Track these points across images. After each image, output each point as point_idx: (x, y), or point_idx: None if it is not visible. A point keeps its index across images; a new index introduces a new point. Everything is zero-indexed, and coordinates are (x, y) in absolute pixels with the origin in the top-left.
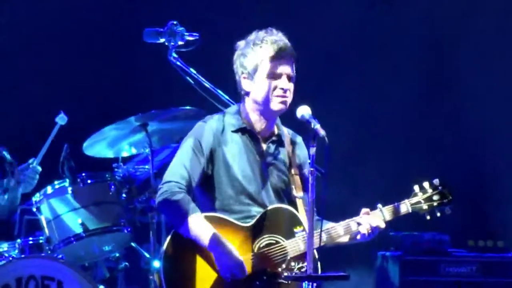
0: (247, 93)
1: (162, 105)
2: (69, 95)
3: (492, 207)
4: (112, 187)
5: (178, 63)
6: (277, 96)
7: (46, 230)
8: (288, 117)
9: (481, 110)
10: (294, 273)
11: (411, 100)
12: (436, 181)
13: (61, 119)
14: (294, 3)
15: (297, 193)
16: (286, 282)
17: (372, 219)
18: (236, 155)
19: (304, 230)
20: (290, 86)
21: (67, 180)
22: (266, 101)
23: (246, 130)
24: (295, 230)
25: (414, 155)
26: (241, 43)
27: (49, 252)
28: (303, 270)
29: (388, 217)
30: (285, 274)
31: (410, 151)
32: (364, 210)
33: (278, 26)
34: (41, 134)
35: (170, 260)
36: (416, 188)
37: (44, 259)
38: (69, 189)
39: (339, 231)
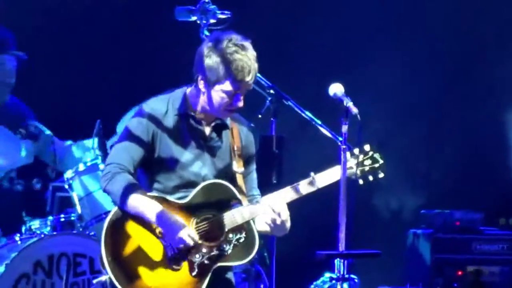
0: (200, 91)
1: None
2: (101, 74)
3: None
4: None
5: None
6: (228, 110)
7: (78, 207)
8: (320, 94)
9: None
10: (233, 244)
11: (442, 80)
12: (366, 147)
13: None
14: None
15: (238, 168)
16: (225, 253)
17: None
18: (178, 139)
19: (239, 202)
20: (242, 100)
21: (99, 157)
22: (217, 109)
23: (189, 115)
24: (230, 203)
25: (445, 133)
26: (210, 44)
27: (80, 229)
28: (241, 241)
29: (320, 184)
30: (225, 245)
31: (441, 128)
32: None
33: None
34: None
35: (111, 240)
36: (347, 155)
37: (76, 236)
38: (101, 166)
39: (278, 197)
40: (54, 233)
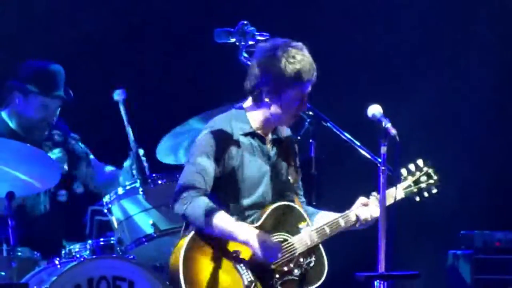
0: (265, 103)
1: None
2: (139, 96)
3: None
4: None
5: (249, 62)
6: (296, 115)
7: (118, 231)
8: (359, 115)
9: None
10: (303, 269)
11: (481, 102)
12: (419, 162)
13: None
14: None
15: (293, 182)
16: (296, 278)
17: (369, 208)
18: (245, 159)
19: (308, 225)
20: None
21: (138, 181)
22: (285, 117)
23: (254, 134)
24: (299, 226)
25: (484, 153)
26: (268, 54)
27: (120, 252)
28: (311, 265)
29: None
30: (296, 270)
31: (480, 148)
32: (361, 199)
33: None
34: None
35: (188, 265)
36: (404, 172)
37: (116, 260)
38: (140, 189)
39: (341, 223)
40: (94, 256)
